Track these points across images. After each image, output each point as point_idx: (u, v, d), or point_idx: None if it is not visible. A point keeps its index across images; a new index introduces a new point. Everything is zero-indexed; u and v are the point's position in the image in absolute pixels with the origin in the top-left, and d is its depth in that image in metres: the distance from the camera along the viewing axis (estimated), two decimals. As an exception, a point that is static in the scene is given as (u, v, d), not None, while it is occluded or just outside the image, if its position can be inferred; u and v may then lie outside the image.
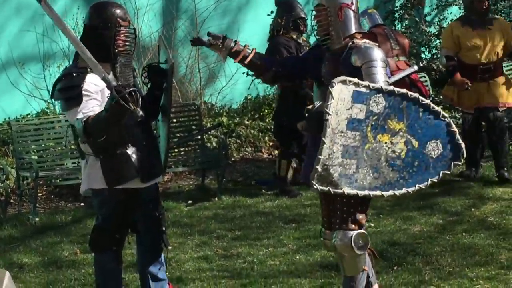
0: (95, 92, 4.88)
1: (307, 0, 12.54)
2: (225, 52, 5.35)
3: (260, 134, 10.80)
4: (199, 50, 11.37)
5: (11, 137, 8.87)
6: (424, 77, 10.49)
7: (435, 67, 12.22)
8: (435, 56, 12.90)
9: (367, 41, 5.10)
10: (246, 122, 11.00)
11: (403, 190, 4.75)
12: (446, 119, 4.75)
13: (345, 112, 4.62)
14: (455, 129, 4.77)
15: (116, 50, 4.98)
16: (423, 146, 4.71)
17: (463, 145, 4.76)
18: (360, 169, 4.67)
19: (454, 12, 13.57)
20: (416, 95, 4.75)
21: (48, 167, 8.68)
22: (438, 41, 13.11)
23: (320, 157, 4.60)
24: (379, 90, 4.69)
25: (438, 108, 4.79)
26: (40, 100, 10.41)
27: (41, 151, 8.90)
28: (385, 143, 4.68)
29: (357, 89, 4.64)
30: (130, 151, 5.04)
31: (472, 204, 7.98)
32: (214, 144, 10.12)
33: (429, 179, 4.76)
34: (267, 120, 11.09)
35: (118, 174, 5.01)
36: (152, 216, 5.30)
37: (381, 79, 4.86)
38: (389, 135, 4.68)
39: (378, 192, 4.74)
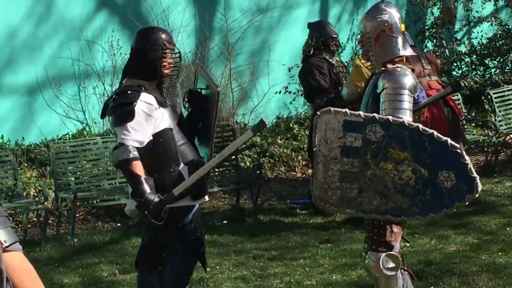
0: (149, 111, 5.00)
1: (338, 18, 12.68)
2: None
3: (293, 153, 10.86)
4: (232, 69, 11.49)
5: (49, 158, 9.00)
6: (457, 95, 10.49)
7: (466, 84, 12.23)
8: (465, 74, 12.93)
9: (400, 66, 5.06)
10: (279, 141, 11.07)
11: (415, 217, 4.70)
12: (456, 150, 4.52)
13: (337, 141, 4.65)
14: (467, 160, 4.51)
15: (163, 73, 5.11)
16: (434, 175, 4.55)
17: (476, 178, 4.49)
18: (364, 193, 4.68)
19: (485, 29, 13.60)
20: (417, 125, 4.60)
21: (85, 188, 8.79)
22: (468, 59, 13.15)
23: (315, 181, 4.69)
24: (373, 120, 4.63)
25: (445, 138, 4.56)
26: (76, 122, 10.56)
27: (78, 172, 9.03)
28: (390, 170, 4.63)
29: (347, 118, 4.64)
30: (183, 169, 5.11)
31: (507, 223, 7.98)
32: (248, 164, 10.19)
33: (445, 209, 4.59)
34: (300, 139, 11.16)
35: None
36: (194, 233, 5.36)
37: (404, 106, 4.86)
38: (393, 163, 4.61)
39: (387, 216, 4.71)
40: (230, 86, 11.50)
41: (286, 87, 11.63)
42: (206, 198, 5.40)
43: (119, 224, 8.77)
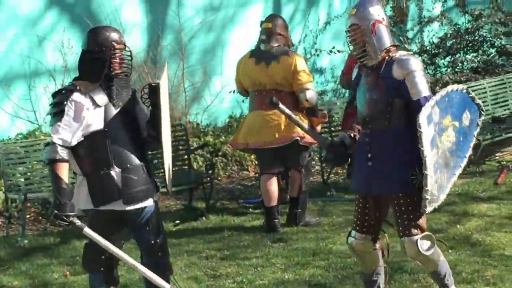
0: (79, 112, 5.02)
1: (291, 17, 12.71)
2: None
3: (246, 152, 10.83)
4: (185, 69, 11.45)
5: (-2, 159, 8.88)
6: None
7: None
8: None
9: (403, 52, 5.41)
10: (232, 140, 11.04)
11: (464, 161, 5.28)
12: (464, 89, 5.24)
13: (428, 137, 5.04)
14: (473, 94, 5.29)
15: (113, 73, 5.11)
16: (460, 121, 5.19)
17: (480, 103, 5.31)
18: (441, 174, 5.12)
19: (436, 29, 13.73)
20: (454, 87, 5.22)
21: (36, 188, 8.69)
22: (420, 58, 13.24)
23: (427, 188, 5.00)
24: (435, 103, 5.06)
25: (465, 86, 5.31)
26: (26, 122, 10.43)
27: (28, 173, 8.91)
28: (446, 140, 5.14)
29: (427, 113, 5.03)
30: (114, 172, 5.11)
31: (457, 221, 8.05)
32: (200, 163, 10.17)
33: (470, 144, 5.29)
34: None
35: (102, 194, 5.10)
36: (148, 240, 5.33)
37: (424, 88, 5.20)
38: (446, 132, 5.14)
39: (452, 179, 5.24)
40: (183, 86, 11.46)
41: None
42: (150, 202, 5.32)
43: (70, 225, 8.66)
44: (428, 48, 13.23)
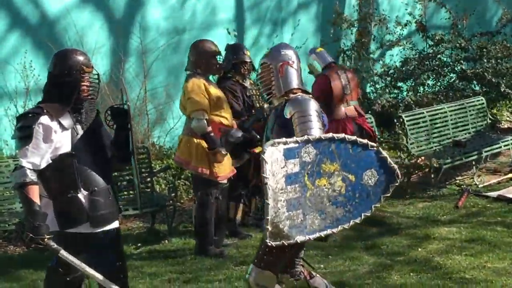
0: (47, 135, 5.01)
1: (254, 43, 12.76)
2: None
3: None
4: (148, 91, 11.43)
5: (-42, 181, 8.79)
6: (370, 118, 10.65)
7: (379, 102, 12.44)
8: (380, 94, 13.15)
9: (302, 94, 5.46)
10: (195, 163, 11.03)
11: (351, 222, 5.00)
12: (374, 148, 5.04)
13: (281, 171, 4.85)
14: (385, 154, 5.06)
15: (82, 96, 5.13)
16: (360, 177, 4.99)
17: (395, 167, 5.07)
18: (307, 215, 4.90)
19: (396, 51, 13.86)
20: (342, 135, 5.04)
21: (-3, 211, 8.62)
22: (383, 84, 13.35)
23: (267, 217, 4.81)
24: (307, 141, 4.94)
25: (365, 140, 5.07)
26: (-14, 144, 10.35)
27: (-11, 196, 8.84)
28: (324, 185, 4.94)
29: (287, 146, 4.89)
30: (82, 195, 5.11)
31: (418, 244, 8.12)
32: (163, 186, 10.14)
33: (372, 206, 5.02)
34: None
35: (69, 217, 5.09)
36: (111, 263, 5.32)
37: (315, 126, 5.22)
38: (326, 178, 4.94)
39: (328, 231, 4.98)
40: (146, 108, 11.43)
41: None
42: (116, 224, 5.36)
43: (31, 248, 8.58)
44: (391, 71, 13.34)
